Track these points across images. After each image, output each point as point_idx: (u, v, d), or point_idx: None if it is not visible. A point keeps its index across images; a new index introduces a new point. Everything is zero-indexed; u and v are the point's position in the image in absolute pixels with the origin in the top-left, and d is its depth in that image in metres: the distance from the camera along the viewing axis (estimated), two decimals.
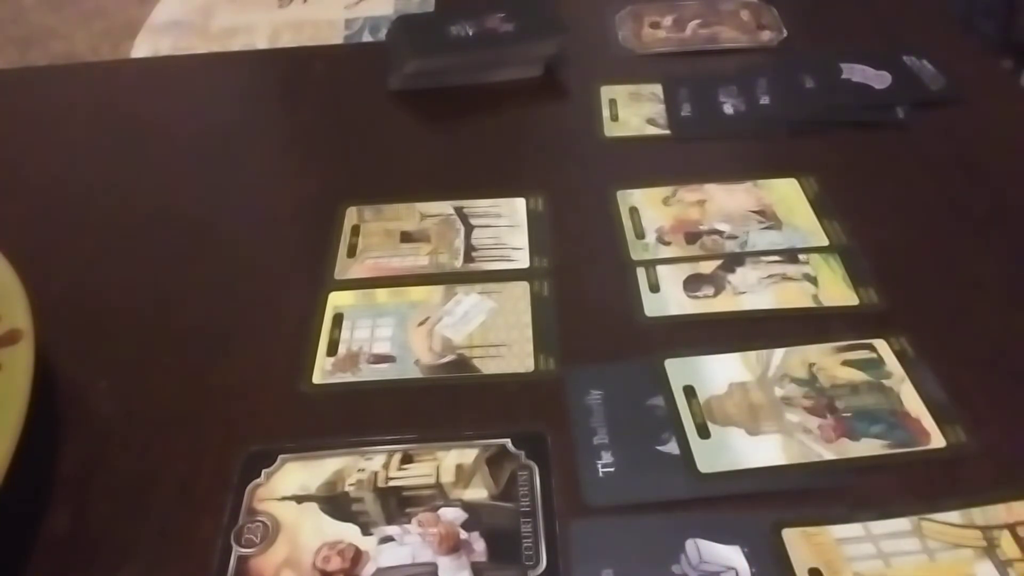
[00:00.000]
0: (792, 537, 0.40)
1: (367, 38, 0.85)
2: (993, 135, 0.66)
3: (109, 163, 0.70)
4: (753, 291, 0.53)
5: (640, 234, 0.58)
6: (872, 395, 0.47)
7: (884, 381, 0.47)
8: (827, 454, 0.44)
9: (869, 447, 0.44)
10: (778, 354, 0.49)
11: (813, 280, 0.54)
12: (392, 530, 0.41)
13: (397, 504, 0.42)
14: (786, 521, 0.41)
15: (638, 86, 0.73)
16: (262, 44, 0.85)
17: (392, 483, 0.43)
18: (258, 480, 0.44)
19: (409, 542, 0.41)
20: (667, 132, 0.68)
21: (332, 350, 0.51)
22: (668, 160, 0.66)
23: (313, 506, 0.43)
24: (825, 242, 0.57)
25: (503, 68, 0.75)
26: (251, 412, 0.48)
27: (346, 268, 0.57)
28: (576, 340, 0.51)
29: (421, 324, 0.52)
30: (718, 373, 0.48)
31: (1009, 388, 0.47)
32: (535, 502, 0.42)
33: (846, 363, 0.48)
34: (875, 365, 0.48)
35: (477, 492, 0.43)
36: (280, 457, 0.45)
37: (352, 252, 0.58)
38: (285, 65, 0.83)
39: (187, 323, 0.54)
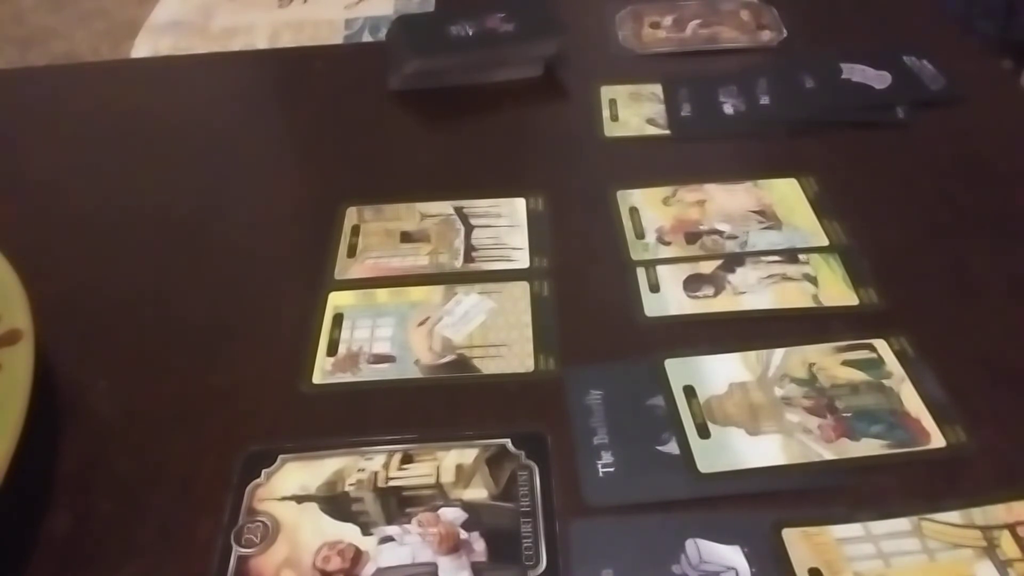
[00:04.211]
0: (792, 537, 0.40)
1: (367, 38, 0.85)
2: (993, 135, 0.66)
3: (109, 163, 0.70)
4: (753, 291, 0.53)
5: (640, 234, 0.58)
6: (872, 395, 0.47)
7: (884, 381, 0.47)
8: (827, 454, 0.44)
9: (869, 447, 0.44)
10: (778, 354, 0.49)
11: (813, 280, 0.54)
12: (392, 530, 0.41)
13: (397, 504, 0.42)
14: (786, 521, 0.41)
15: (638, 86, 0.73)
16: (262, 44, 0.85)
17: (392, 483, 0.43)
18: (258, 480, 0.44)
19: (409, 542, 0.41)
20: (667, 132, 0.68)
21: (332, 350, 0.51)
22: (668, 160, 0.66)
23: (313, 506, 0.43)
24: (825, 242, 0.57)
25: (503, 68, 0.75)
26: (251, 412, 0.48)
27: (346, 268, 0.57)
28: (576, 340, 0.51)
29: (421, 324, 0.52)
30: (718, 373, 0.48)
31: (1009, 388, 0.47)
32: (535, 502, 0.42)
33: (846, 363, 0.48)
34: (875, 365, 0.48)
35: (477, 492, 0.43)
36: (280, 457, 0.45)
37: (352, 252, 0.58)
38: (285, 65, 0.83)
39: (187, 323, 0.54)
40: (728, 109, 0.70)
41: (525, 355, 0.50)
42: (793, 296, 0.53)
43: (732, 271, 0.55)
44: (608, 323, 0.52)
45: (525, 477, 0.43)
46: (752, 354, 0.49)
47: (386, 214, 0.61)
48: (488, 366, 0.50)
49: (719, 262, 0.55)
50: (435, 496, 0.43)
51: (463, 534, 0.41)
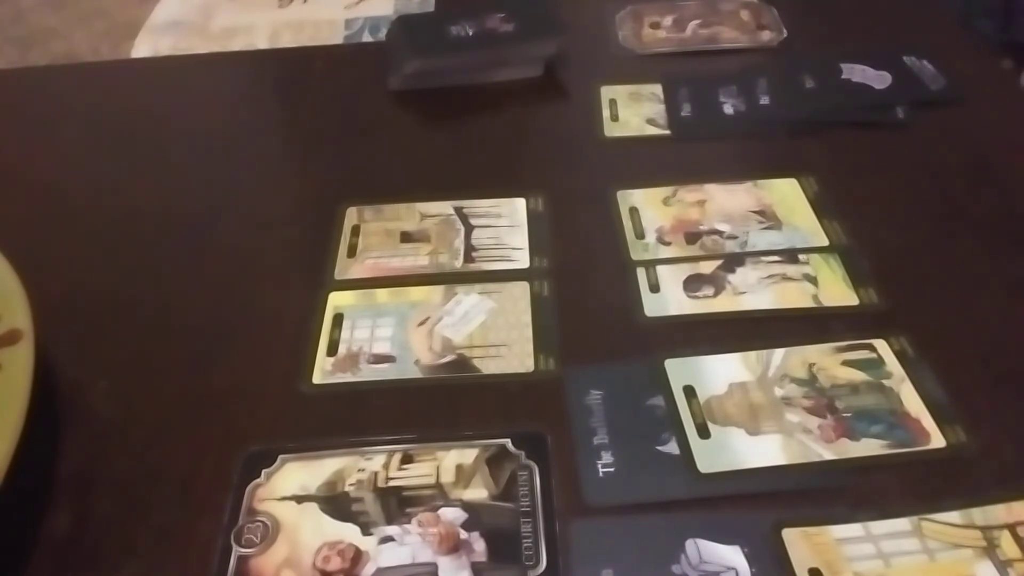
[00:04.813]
0: (792, 537, 0.40)
1: (367, 38, 0.85)
2: (993, 135, 0.66)
3: (109, 163, 0.70)
4: (753, 291, 0.53)
5: (640, 234, 0.58)
6: (872, 395, 0.47)
7: (884, 381, 0.47)
8: (827, 454, 0.44)
9: (869, 447, 0.44)
10: (778, 354, 0.49)
11: (813, 280, 0.54)
12: (392, 530, 0.41)
13: (397, 504, 0.42)
14: (786, 521, 0.41)
15: (638, 86, 0.73)
16: (262, 44, 0.85)
17: (392, 483, 0.43)
18: (258, 480, 0.44)
19: (409, 542, 0.41)
20: (667, 132, 0.68)
21: (332, 350, 0.51)
22: (668, 160, 0.66)
23: (313, 506, 0.43)
24: (825, 242, 0.57)
25: (503, 68, 0.75)
26: (251, 412, 0.48)
27: (346, 268, 0.57)
28: (576, 340, 0.51)
29: (421, 324, 0.52)
30: (718, 373, 0.48)
31: (1009, 388, 0.47)
32: (535, 502, 0.42)
33: (846, 363, 0.48)
34: (875, 365, 0.48)
35: (477, 492, 0.43)
36: (280, 457, 0.45)
37: (352, 252, 0.58)
38: (285, 65, 0.83)
39: (187, 323, 0.54)
40: (728, 109, 0.70)
41: (525, 355, 0.50)
42: (793, 296, 0.53)
43: (732, 271, 0.55)
44: (608, 323, 0.52)
45: (525, 477, 0.43)
46: (752, 354, 0.49)
47: (386, 214, 0.61)
48: (488, 366, 0.50)
49: (719, 262, 0.55)
50: (435, 496, 0.43)
51: (463, 534, 0.41)
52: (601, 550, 0.40)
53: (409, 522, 0.42)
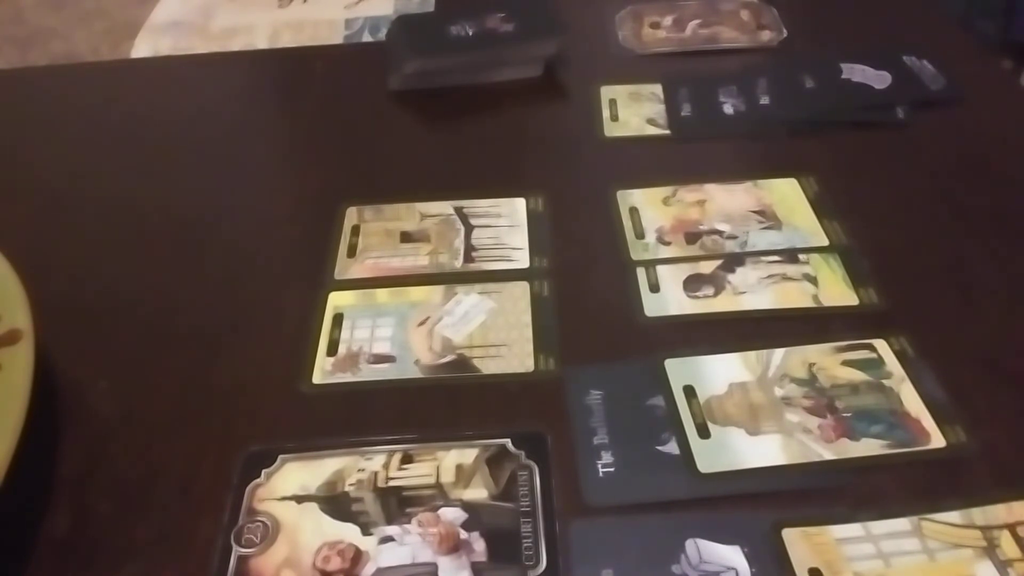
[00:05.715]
0: (792, 537, 0.40)
1: (367, 38, 0.85)
2: (993, 135, 0.66)
3: (109, 163, 0.70)
4: (753, 291, 0.53)
5: (640, 234, 0.58)
6: (872, 395, 0.47)
7: (884, 381, 0.47)
8: (827, 454, 0.44)
9: (869, 447, 0.44)
10: (778, 354, 0.49)
11: (813, 280, 0.54)
12: (392, 530, 0.41)
13: (397, 504, 0.42)
14: (786, 521, 0.41)
15: (638, 86, 0.73)
16: (262, 44, 0.85)
17: (392, 483, 0.43)
18: (258, 480, 0.44)
19: (409, 542, 0.41)
20: (667, 132, 0.68)
21: (332, 350, 0.51)
22: (668, 160, 0.66)
23: (313, 506, 0.43)
24: (825, 242, 0.57)
25: (503, 68, 0.75)
26: (251, 412, 0.48)
27: (346, 268, 0.57)
28: (576, 340, 0.51)
29: (421, 324, 0.52)
30: (718, 373, 0.48)
31: (1009, 388, 0.47)
32: (535, 502, 0.42)
33: (846, 363, 0.48)
34: (875, 365, 0.48)
35: (477, 492, 0.43)
36: (280, 457, 0.45)
37: (352, 252, 0.58)
38: (285, 65, 0.83)
39: (187, 323, 0.54)
40: (728, 109, 0.70)
41: (525, 355, 0.50)
42: (793, 296, 0.53)
43: (732, 271, 0.55)
44: (608, 323, 0.52)
45: (525, 477, 0.43)
46: (752, 354, 0.49)
47: (386, 214, 0.61)
48: (488, 366, 0.50)
49: (719, 262, 0.55)
50: (435, 496, 0.43)
51: (463, 534, 0.41)
52: (601, 550, 0.40)
53: (409, 522, 0.42)
